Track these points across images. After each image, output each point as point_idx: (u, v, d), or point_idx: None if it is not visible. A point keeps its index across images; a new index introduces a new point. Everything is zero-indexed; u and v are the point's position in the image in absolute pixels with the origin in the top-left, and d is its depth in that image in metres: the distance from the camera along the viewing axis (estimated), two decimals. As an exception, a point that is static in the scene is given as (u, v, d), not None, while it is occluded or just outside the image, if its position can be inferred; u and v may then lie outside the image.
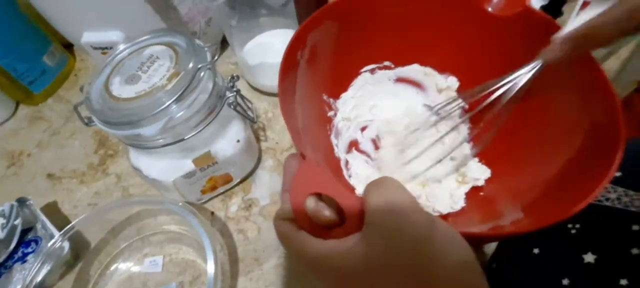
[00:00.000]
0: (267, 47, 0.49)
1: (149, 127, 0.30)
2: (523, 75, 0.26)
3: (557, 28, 0.25)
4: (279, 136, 0.47)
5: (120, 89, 0.32)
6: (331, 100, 0.34)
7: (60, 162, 0.50)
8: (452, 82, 0.34)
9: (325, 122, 0.34)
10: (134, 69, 0.33)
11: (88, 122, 0.33)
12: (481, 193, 0.31)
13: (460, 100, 0.32)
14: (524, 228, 0.23)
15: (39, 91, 0.58)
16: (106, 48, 0.47)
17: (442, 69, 0.34)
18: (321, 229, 0.21)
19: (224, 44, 0.56)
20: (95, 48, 0.47)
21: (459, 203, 0.31)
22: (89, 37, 0.47)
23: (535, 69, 0.25)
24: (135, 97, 0.31)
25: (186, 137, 0.33)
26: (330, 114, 0.34)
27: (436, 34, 0.31)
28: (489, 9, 0.28)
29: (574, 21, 0.24)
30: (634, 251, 0.25)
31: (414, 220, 0.17)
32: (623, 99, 0.42)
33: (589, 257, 0.26)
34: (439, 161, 0.31)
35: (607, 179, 0.21)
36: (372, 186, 0.20)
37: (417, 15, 0.30)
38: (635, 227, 0.26)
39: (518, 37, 0.28)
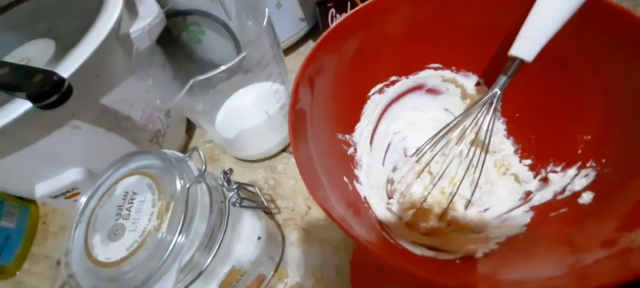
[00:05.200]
0: (240, 111, 0.43)
1: (162, 283, 0.24)
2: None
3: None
4: (291, 201, 0.41)
5: (106, 251, 0.26)
6: (347, 136, 0.30)
7: (65, 335, 0.42)
8: (469, 79, 0.29)
9: (348, 162, 0.30)
10: (113, 218, 0.27)
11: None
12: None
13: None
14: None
15: (10, 261, 0.50)
16: (68, 191, 0.40)
17: (448, 64, 0.29)
18: None
19: (191, 123, 0.50)
20: (56, 196, 0.41)
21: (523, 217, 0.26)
22: (43, 188, 0.40)
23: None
24: (129, 255, 0.25)
25: (204, 267, 0.27)
26: (350, 151, 0.30)
27: (438, 34, 0.27)
28: None
29: None
30: None
31: None
32: None
33: None
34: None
35: None
36: None
37: (415, 26, 0.26)
38: None
39: None
